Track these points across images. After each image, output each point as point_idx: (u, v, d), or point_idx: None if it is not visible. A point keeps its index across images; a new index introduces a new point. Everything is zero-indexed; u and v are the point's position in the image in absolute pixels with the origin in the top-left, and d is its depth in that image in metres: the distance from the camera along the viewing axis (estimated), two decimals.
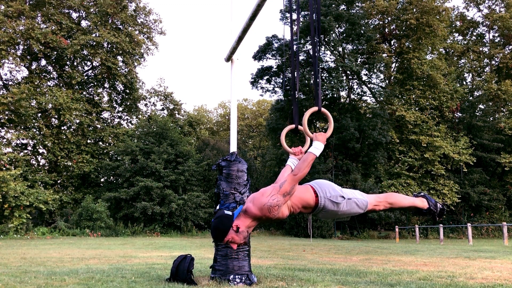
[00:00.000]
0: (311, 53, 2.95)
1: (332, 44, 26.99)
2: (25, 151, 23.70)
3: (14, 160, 20.71)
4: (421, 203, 3.16)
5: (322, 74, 27.69)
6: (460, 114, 29.81)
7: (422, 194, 3.25)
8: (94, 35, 24.53)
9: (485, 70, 32.77)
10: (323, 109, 2.77)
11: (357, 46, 27.23)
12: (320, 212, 2.81)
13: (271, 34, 28.71)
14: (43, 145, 23.29)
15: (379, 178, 25.52)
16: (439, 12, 27.16)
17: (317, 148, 2.64)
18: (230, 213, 2.60)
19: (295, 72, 3.10)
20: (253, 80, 28.74)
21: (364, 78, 28.60)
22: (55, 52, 23.93)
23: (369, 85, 28.89)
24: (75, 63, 25.86)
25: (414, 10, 26.76)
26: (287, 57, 26.22)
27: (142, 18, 27.42)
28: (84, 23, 25.86)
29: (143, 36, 27.20)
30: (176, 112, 30.49)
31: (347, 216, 2.93)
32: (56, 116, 22.88)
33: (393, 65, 29.30)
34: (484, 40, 32.86)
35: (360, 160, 25.65)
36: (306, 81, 24.96)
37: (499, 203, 27.17)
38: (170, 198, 21.67)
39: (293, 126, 3.01)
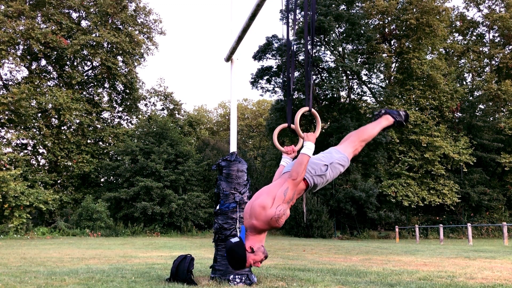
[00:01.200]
0: (309, 53, 2.93)
1: (332, 44, 26.99)
2: (25, 151, 23.70)
3: (14, 160, 20.71)
4: (387, 121, 3.15)
5: (322, 74, 27.70)
6: (460, 114, 29.81)
7: (383, 112, 3.20)
8: (94, 35, 24.53)
9: (485, 70, 32.76)
10: (312, 110, 2.79)
11: (357, 46, 27.22)
12: (312, 189, 2.82)
13: (271, 34, 28.72)
14: (43, 145, 23.29)
15: (379, 178, 25.52)
16: (439, 12, 27.15)
17: (309, 148, 2.64)
18: (237, 239, 2.51)
19: (291, 72, 3.11)
20: (253, 80, 28.74)
21: (364, 78, 28.60)
22: (55, 52, 23.93)
23: (369, 85, 28.90)
24: (75, 63, 25.85)
25: (414, 10, 26.75)
26: (286, 57, 26.22)
27: (142, 18, 27.42)
28: (84, 23, 25.88)
29: (143, 36, 27.19)
30: (176, 112, 30.49)
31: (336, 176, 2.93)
32: (56, 116, 22.87)
33: (393, 65, 29.30)
34: (484, 40, 32.86)
35: (360, 160, 25.65)
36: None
37: (499, 203, 27.16)
38: (170, 198, 21.67)
39: (285, 125, 3.02)
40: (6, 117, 21.70)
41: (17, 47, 23.13)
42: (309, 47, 2.97)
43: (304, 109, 2.73)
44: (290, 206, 2.56)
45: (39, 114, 23.13)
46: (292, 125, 2.94)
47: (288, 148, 3.02)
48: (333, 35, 26.76)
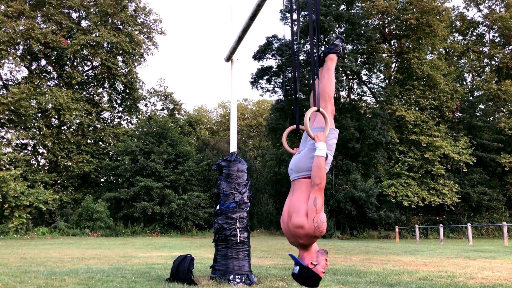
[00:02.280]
0: (312, 52, 2.93)
1: None
2: (25, 151, 23.70)
3: (14, 160, 20.71)
4: (335, 58, 3.12)
5: None
6: (460, 114, 29.81)
7: (324, 52, 3.14)
8: (94, 35, 24.53)
9: (485, 70, 32.76)
10: (321, 109, 2.79)
11: (357, 46, 27.23)
12: None
13: (271, 34, 28.73)
14: (43, 145, 23.29)
15: (379, 178, 25.51)
16: (439, 12, 27.15)
17: (322, 149, 2.64)
18: (297, 267, 2.58)
19: (296, 73, 3.10)
20: (253, 80, 28.74)
21: (364, 78, 28.60)
22: (55, 52, 23.92)
23: (369, 85, 28.90)
24: (75, 63, 25.85)
25: (414, 10, 26.75)
26: (287, 57, 26.23)
27: (142, 18, 27.42)
28: (84, 23, 25.87)
29: (143, 36, 27.19)
30: (176, 112, 30.48)
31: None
32: (56, 116, 22.87)
33: (393, 65, 29.29)
34: (484, 40, 32.85)
35: (360, 160, 25.65)
36: (306, 81, 24.96)
37: (499, 203, 27.16)
38: (170, 198, 21.67)
39: (294, 127, 3.01)
40: (6, 117, 21.70)
41: (17, 47, 23.13)
42: (314, 49, 2.95)
43: (313, 109, 2.73)
44: (323, 210, 2.58)
45: (39, 114, 23.12)
46: (301, 126, 2.95)
47: (297, 150, 3.04)
48: (333, 35, 26.75)
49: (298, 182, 2.67)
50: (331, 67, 3.07)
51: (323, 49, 3.68)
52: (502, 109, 30.65)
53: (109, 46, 25.47)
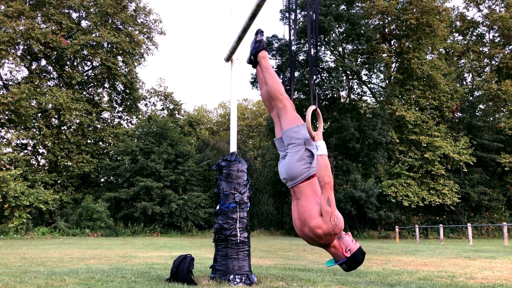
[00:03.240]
0: (311, 53, 2.91)
1: (332, 44, 26.99)
2: (25, 151, 23.70)
3: (14, 160, 20.71)
4: (266, 53, 3.01)
5: (322, 74, 27.69)
6: (460, 114, 29.81)
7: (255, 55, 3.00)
8: (94, 35, 24.53)
9: (485, 70, 32.76)
10: (318, 109, 2.83)
11: (357, 46, 27.22)
12: None
13: (271, 34, 28.71)
14: (43, 145, 23.29)
15: (379, 178, 25.51)
16: (439, 12, 27.15)
17: (323, 147, 2.66)
18: (344, 266, 2.67)
19: (292, 73, 3.10)
20: (253, 80, 28.73)
21: (364, 78, 28.59)
22: (55, 52, 23.92)
23: (369, 85, 28.89)
24: (75, 63, 25.85)
25: (414, 10, 26.75)
26: (287, 57, 26.22)
27: (142, 18, 27.42)
28: (84, 23, 25.87)
29: (143, 36, 27.19)
30: (176, 112, 30.48)
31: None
32: (56, 116, 22.87)
33: (393, 65, 29.29)
34: (484, 40, 32.85)
35: (360, 160, 25.64)
36: (306, 81, 24.96)
37: (499, 203, 27.16)
38: (170, 198, 21.67)
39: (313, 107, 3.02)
40: (6, 117, 21.70)
41: (17, 47, 23.13)
42: (312, 50, 2.94)
43: (312, 107, 2.75)
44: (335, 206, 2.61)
45: (39, 114, 23.12)
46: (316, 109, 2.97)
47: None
48: (333, 35, 26.76)
49: (297, 188, 2.67)
50: (267, 65, 2.98)
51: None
52: (502, 109, 30.65)
53: (109, 46, 25.47)
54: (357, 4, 28.08)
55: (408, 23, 26.58)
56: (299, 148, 2.68)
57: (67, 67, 25.45)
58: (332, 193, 2.60)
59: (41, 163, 24.68)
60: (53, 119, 23.61)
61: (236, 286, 4.22)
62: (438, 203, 25.60)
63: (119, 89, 27.69)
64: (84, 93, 25.84)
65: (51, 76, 25.85)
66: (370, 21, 28.78)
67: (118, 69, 25.45)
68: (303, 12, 24.86)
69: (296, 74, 25.53)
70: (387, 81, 29.59)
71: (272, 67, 2.97)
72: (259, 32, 3.01)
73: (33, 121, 22.50)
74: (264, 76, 2.89)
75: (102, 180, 25.76)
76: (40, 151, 24.08)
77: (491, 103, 30.02)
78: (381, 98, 28.20)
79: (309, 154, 2.69)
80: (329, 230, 2.55)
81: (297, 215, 2.68)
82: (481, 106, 30.37)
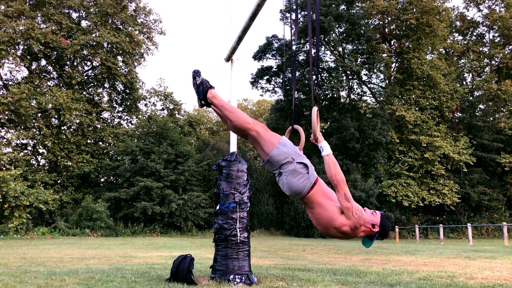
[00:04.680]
0: (312, 53, 2.88)
1: (332, 44, 27.00)
2: (25, 151, 23.69)
3: (14, 160, 20.70)
4: (214, 91, 2.87)
5: (322, 74, 27.71)
6: (460, 114, 29.82)
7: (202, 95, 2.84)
8: (94, 35, 24.52)
9: (485, 70, 32.76)
10: (316, 108, 2.87)
11: (357, 46, 27.23)
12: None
13: (271, 34, 28.73)
14: (43, 145, 23.28)
15: (379, 178, 25.51)
16: (439, 12, 27.16)
17: (327, 147, 2.70)
18: (369, 243, 2.77)
19: (293, 73, 3.10)
20: (253, 80, 28.74)
21: (364, 78, 28.61)
22: (55, 52, 23.91)
23: (369, 85, 28.90)
24: (75, 63, 25.84)
25: (414, 10, 26.76)
26: (287, 57, 26.24)
27: (142, 18, 27.40)
28: (84, 23, 25.86)
29: (143, 36, 27.18)
30: (176, 112, 30.47)
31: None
32: (56, 116, 22.87)
33: (393, 65, 29.30)
34: (484, 40, 32.86)
35: (360, 160, 25.64)
36: (306, 81, 24.95)
37: (499, 203, 27.17)
38: (170, 198, 21.66)
39: (290, 128, 3.06)
40: (6, 117, 21.69)
41: (17, 47, 23.12)
42: (313, 49, 2.94)
43: (315, 109, 2.77)
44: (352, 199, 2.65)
45: (39, 114, 23.12)
46: (295, 126, 2.99)
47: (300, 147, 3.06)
48: (333, 35, 26.77)
49: (306, 200, 2.69)
50: (221, 102, 2.82)
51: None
52: (502, 109, 30.66)
53: (109, 46, 25.46)
54: (357, 4, 28.09)
55: (408, 23, 26.59)
56: (291, 166, 2.68)
57: (67, 67, 25.45)
58: (347, 187, 2.63)
59: (41, 163, 24.68)
60: (53, 119, 23.60)
61: (236, 286, 4.22)
62: (438, 203, 25.61)
63: (119, 89, 27.69)
64: (84, 93, 25.82)
65: (51, 76, 25.85)
66: (370, 21, 28.79)
67: (118, 69, 25.44)
68: (303, 12, 24.88)
69: (296, 74, 25.52)
70: (387, 81, 29.59)
71: (226, 102, 2.89)
72: (195, 75, 2.83)
73: (33, 121, 22.50)
74: (223, 114, 2.79)
75: (102, 180, 25.75)
76: (40, 151, 24.08)
77: (491, 103, 30.03)
78: (381, 98, 28.21)
79: (302, 166, 2.69)
80: (355, 224, 2.59)
81: (316, 222, 2.73)
82: (481, 106, 30.38)
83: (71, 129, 24.26)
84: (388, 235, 2.79)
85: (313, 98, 2.83)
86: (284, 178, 2.70)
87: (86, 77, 26.15)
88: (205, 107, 2.75)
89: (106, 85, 27.37)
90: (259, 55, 28.08)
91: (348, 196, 2.60)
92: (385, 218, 2.74)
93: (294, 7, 3.23)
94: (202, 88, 2.79)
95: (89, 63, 26.45)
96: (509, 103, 29.73)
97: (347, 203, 2.59)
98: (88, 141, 25.16)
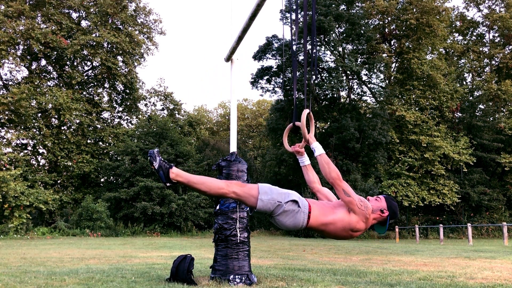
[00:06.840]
0: (310, 53, 2.88)
1: (332, 44, 26.99)
2: (25, 151, 23.69)
3: (14, 160, 20.71)
4: (175, 170, 2.66)
5: (322, 74, 27.69)
6: (460, 114, 29.82)
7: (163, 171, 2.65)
8: (94, 35, 24.52)
9: (485, 70, 32.76)
10: (310, 113, 2.95)
11: (357, 46, 27.21)
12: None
13: (271, 34, 28.72)
14: (43, 145, 23.28)
15: (379, 178, 25.51)
16: (439, 12, 27.15)
17: (319, 147, 2.75)
18: (383, 230, 2.92)
19: (294, 72, 3.10)
20: (253, 80, 28.72)
21: (364, 78, 28.59)
22: (55, 52, 23.92)
23: (369, 85, 28.89)
24: (75, 63, 25.85)
25: (414, 10, 26.75)
26: (287, 57, 26.23)
27: (142, 18, 27.42)
28: (84, 23, 25.87)
29: (143, 36, 27.19)
30: (176, 112, 30.47)
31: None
32: (56, 116, 22.87)
33: (393, 65, 29.29)
34: (484, 40, 32.86)
35: (360, 160, 25.64)
36: (306, 81, 24.94)
37: (499, 203, 27.16)
38: (170, 198, 21.67)
39: (291, 125, 3.13)
40: (6, 117, 21.69)
41: (17, 47, 23.13)
42: (308, 47, 2.96)
43: (306, 111, 2.83)
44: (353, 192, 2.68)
45: (39, 114, 23.12)
46: (297, 123, 3.04)
47: (296, 148, 3.07)
48: (333, 35, 26.76)
49: (310, 227, 2.72)
50: (187, 178, 2.64)
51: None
52: (502, 109, 30.66)
53: (109, 46, 25.47)
54: (357, 4, 28.08)
55: (408, 23, 26.59)
56: (281, 208, 2.62)
57: (67, 67, 25.45)
58: (344, 183, 2.66)
59: (41, 163, 24.68)
60: (53, 119, 23.61)
61: (236, 286, 4.22)
62: (438, 203, 25.60)
63: (119, 89, 27.69)
64: (84, 93, 25.83)
65: (51, 76, 25.86)
66: (370, 21, 28.78)
67: (118, 69, 25.45)
68: (303, 12, 24.87)
69: (297, 73, 25.52)
70: (387, 81, 29.59)
71: (191, 173, 2.78)
72: (152, 160, 2.65)
73: (33, 121, 22.50)
74: (194, 188, 2.65)
75: (102, 180, 25.75)
76: (40, 151, 24.08)
77: (491, 103, 30.03)
78: (381, 98, 28.20)
79: (291, 203, 2.63)
80: (364, 215, 2.64)
81: (335, 237, 2.77)
82: (481, 106, 30.38)
83: (71, 129, 24.26)
84: (398, 214, 2.85)
85: (305, 99, 2.86)
86: (278, 220, 2.67)
87: (86, 77, 26.16)
88: (172, 185, 2.63)
89: (106, 85, 27.38)
90: (259, 55, 28.07)
91: (347, 190, 2.62)
92: (391, 200, 2.80)
93: (294, 7, 3.23)
94: (162, 172, 2.62)
95: (89, 63, 26.46)
96: (509, 103, 29.72)
97: (348, 197, 2.60)
98: (88, 141, 25.17)
